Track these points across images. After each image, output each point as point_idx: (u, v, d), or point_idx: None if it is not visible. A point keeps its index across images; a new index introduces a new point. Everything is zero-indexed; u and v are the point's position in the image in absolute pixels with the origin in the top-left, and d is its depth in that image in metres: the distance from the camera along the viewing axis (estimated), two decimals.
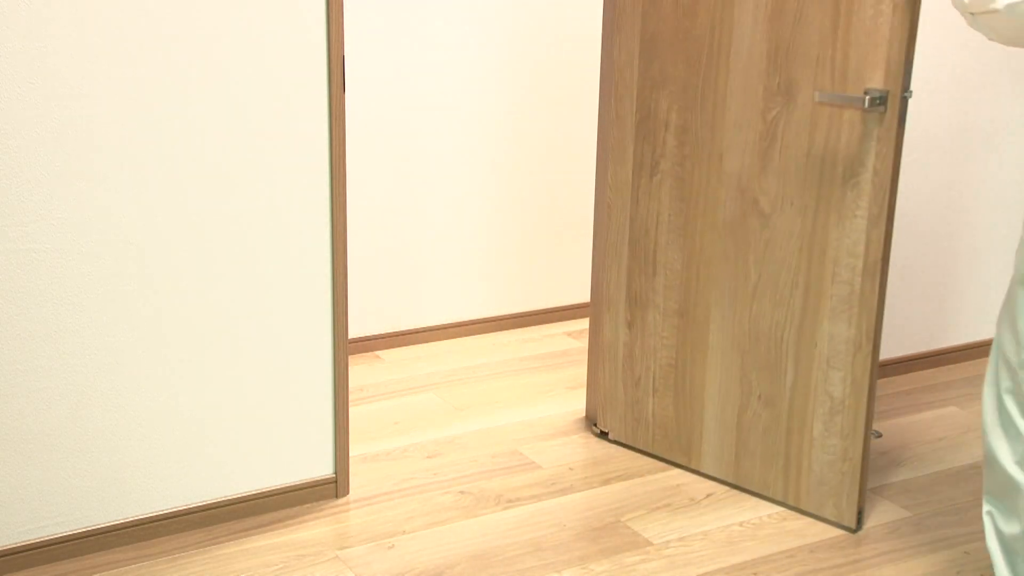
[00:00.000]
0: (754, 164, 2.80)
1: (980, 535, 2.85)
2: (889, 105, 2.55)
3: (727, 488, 3.03)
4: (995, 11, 2.16)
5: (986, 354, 3.98)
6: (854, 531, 2.83)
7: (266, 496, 2.84)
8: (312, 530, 2.79)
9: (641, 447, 3.20)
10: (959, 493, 3.06)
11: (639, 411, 3.18)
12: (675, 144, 2.92)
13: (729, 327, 2.93)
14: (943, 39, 3.49)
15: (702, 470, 3.07)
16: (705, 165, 2.88)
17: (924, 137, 3.60)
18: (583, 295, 4.25)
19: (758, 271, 2.85)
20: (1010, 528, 2.37)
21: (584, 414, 3.47)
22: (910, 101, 2.80)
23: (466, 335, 4.07)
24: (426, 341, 4.00)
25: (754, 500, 2.98)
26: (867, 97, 2.54)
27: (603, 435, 3.30)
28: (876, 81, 2.56)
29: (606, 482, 3.07)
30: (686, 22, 2.84)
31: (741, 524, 2.87)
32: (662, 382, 3.10)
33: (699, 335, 2.99)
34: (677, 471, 3.12)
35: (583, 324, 4.18)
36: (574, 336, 4.12)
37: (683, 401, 3.07)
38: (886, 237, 2.64)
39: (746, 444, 2.97)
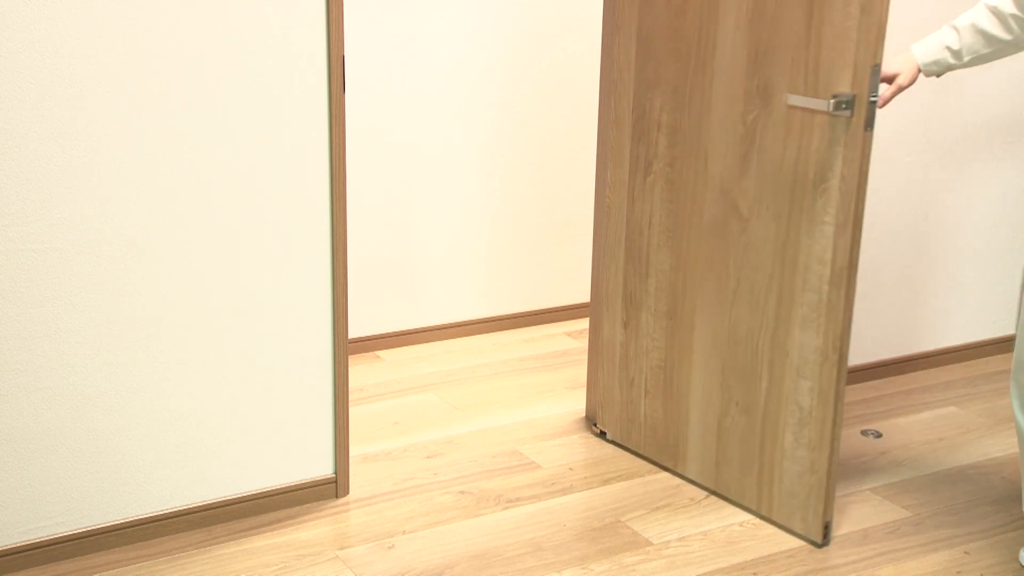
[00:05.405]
0: (734, 167, 2.77)
1: (980, 535, 2.85)
2: (856, 109, 2.48)
3: (708, 493, 3.04)
4: None
5: (986, 354, 3.98)
6: (819, 546, 2.76)
7: (266, 496, 2.84)
8: (312, 530, 2.79)
9: (634, 448, 3.20)
10: (959, 493, 3.06)
11: (633, 412, 3.18)
12: (666, 145, 2.92)
13: (711, 331, 2.90)
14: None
15: (687, 475, 3.06)
16: (692, 167, 2.86)
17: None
18: (583, 295, 4.25)
19: (737, 276, 2.81)
20: None
21: (584, 414, 3.47)
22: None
23: (466, 335, 4.08)
24: (426, 341, 4.00)
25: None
26: (832, 101, 2.48)
27: (602, 435, 3.30)
28: (844, 85, 2.49)
29: (606, 482, 3.07)
30: (676, 21, 2.83)
31: (741, 524, 2.87)
32: (653, 384, 3.10)
33: (685, 338, 2.98)
34: (667, 474, 3.12)
35: (583, 324, 4.18)
36: (574, 336, 4.12)
37: (671, 404, 3.06)
38: (852, 245, 2.56)
39: (725, 451, 2.94)
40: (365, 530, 2.80)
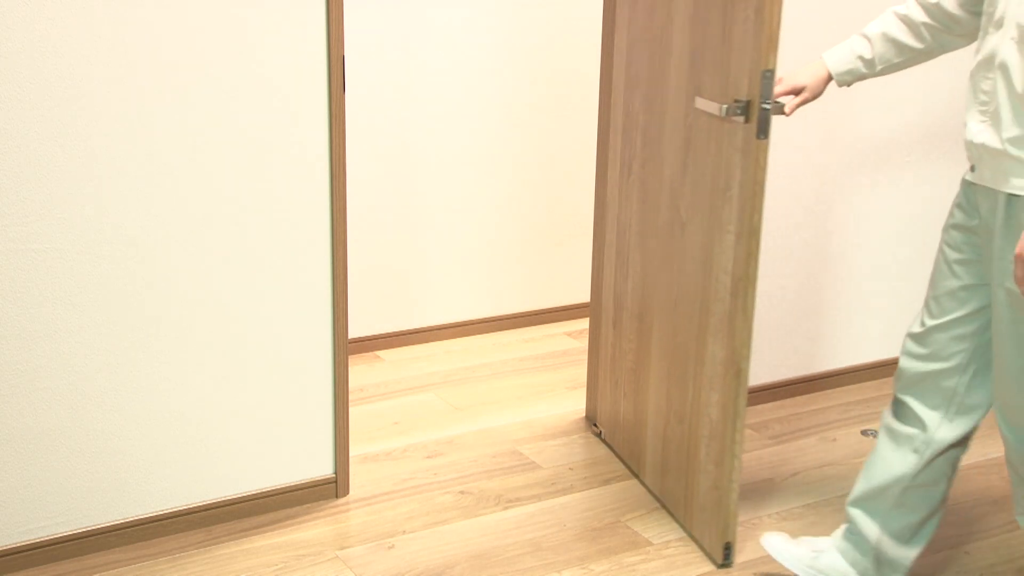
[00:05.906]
0: (678, 170, 2.69)
1: (980, 535, 2.85)
2: (749, 116, 2.38)
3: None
4: None
5: None
6: (719, 566, 2.65)
7: (266, 496, 2.84)
8: (312, 530, 2.79)
9: (617, 449, 3.20)
10: (959, 493, 3.06)
11: (616, 412, 3.17)
12: (641, 145, 2.88)
13: (662, 336, 2.84)
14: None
15: (645, 481, 3.02)
16: (655, 168, 2.81)
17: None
18: (583, 295, 4.25)
19: (679, 282, 2.73)
20: None
21: (584, 414, 3.47)
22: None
23: (466, 335, 4.08)
24: (426, 341, 4.00)
25: (755, 502, 2.98)
26: (725, 106, 2.41)
27: (601, 435, 3.30)
28: (742, 90, 2.40)
29: (606, 482, 3.07)
30: (649, 22, 2.80)
31: (741, 524, 2.87)
32: (629, 386, 3.07)
33: (647, 342, 2.92)
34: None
35: (583, 324, 4.19)
36: (574, 336, 4.12)
37: (638, 408, 3.02)
38: (749, 255, 2.43)
39: (668, 460, 2.86)
40: (365, 530, 2.80)
